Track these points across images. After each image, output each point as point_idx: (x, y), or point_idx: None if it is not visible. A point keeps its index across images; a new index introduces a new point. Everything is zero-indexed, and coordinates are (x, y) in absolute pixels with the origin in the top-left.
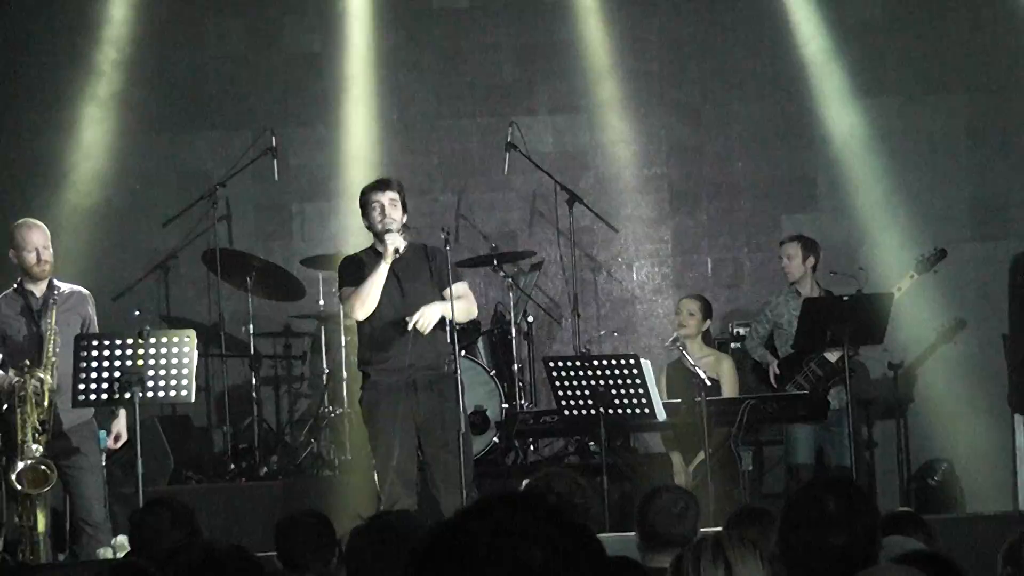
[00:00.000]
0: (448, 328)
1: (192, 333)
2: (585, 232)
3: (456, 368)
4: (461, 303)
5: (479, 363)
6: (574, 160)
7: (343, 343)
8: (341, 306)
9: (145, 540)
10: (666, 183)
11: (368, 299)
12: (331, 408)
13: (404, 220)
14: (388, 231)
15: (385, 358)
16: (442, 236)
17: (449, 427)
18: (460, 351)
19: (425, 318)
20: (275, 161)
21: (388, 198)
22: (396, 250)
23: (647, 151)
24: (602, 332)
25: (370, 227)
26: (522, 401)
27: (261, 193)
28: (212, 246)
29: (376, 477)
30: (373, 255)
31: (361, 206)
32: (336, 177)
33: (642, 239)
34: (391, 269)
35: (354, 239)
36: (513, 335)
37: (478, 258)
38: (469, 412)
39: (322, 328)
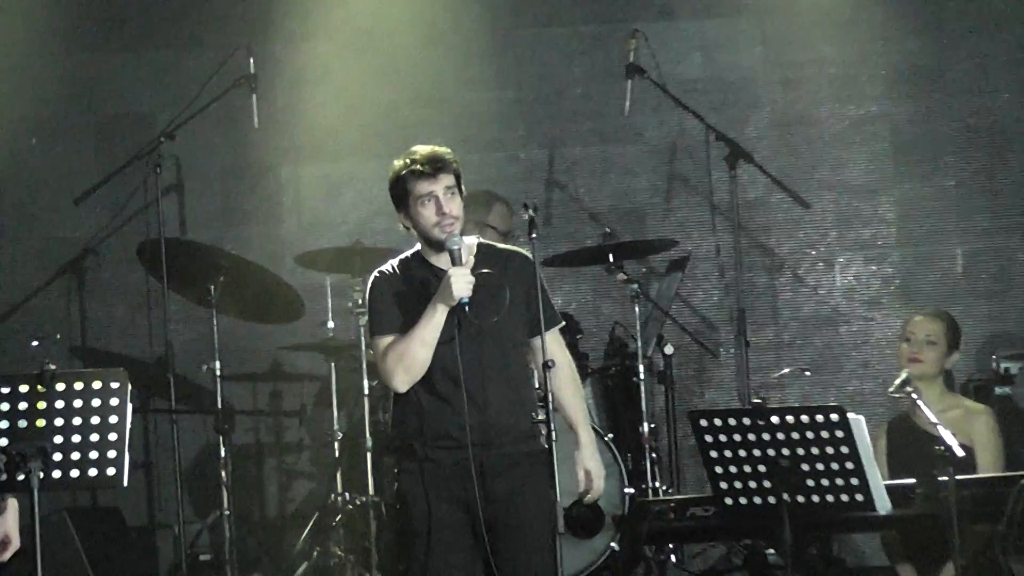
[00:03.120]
0: (541, 380)
1: (123, 375)
2: (757, 208)
3: (551, 442)
4: (571, 374)
5: None
6: (737, 92)
7: (366, 390)
8: (378, 365)
9: None
10: (887, 128)
11: (417, 361)
12: (347, 496)
13: (464, 211)
14: (454, 251)
15: (440, 426)
16: (525, 216)
17: (535, 527)
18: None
19: (597, 487)
20: (254, 98)
21: (443, 186)
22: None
23: (855, 77)
24: (785, 370)
25: (416, 228)
26: (656, 483)
27: (231, 149)
28: (154, 235)
29: None
30: (423, 271)
31: (396, 198)
32: (351, 124)
33: (850, 219)
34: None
35: (384, 223)
36: (641, 376)
37: (583, 251)
38: (568, 503)
39: (332, 367)
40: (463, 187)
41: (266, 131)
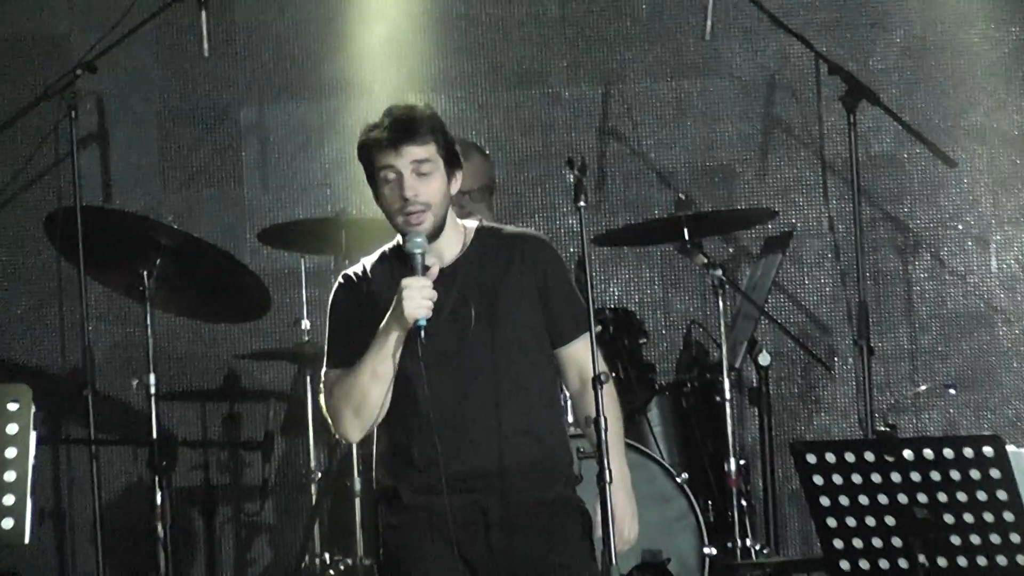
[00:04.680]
0: (573, 398)
1: (25, 392)
2: (884, 166)
3: (605, 483)
4: (610, 392)
5: (651, 457)
6: (858, 9)
7: None
8: (324, 406)
9: None
10: None
11: (368, 400)
12: (327, 558)
13: (458, 183)
14: (414, 255)
15: (423, 464)
16: (569, 177)
17: None
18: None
19: (627, 534)
20: (204, 16)
21: (409, 160)
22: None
23: None
24: (922, 387)
25: (383, 212)
26: (747, 540)
27: (173, 85)
28: (68, 201)
29: None
30: (402, 270)
31: (365, 171)
32: (336, 51)
33: (1010, 181)
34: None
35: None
36: (727, 393)
37: (648, 225)
38: (630, 566)
39: (308, 381)
40: (455, 156)
41: (220, 60)
